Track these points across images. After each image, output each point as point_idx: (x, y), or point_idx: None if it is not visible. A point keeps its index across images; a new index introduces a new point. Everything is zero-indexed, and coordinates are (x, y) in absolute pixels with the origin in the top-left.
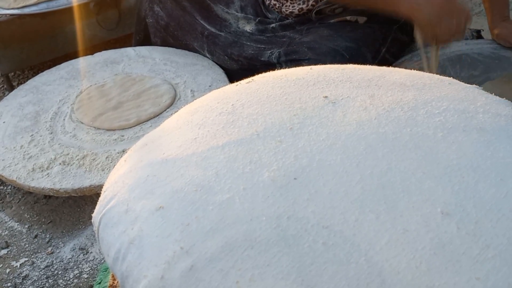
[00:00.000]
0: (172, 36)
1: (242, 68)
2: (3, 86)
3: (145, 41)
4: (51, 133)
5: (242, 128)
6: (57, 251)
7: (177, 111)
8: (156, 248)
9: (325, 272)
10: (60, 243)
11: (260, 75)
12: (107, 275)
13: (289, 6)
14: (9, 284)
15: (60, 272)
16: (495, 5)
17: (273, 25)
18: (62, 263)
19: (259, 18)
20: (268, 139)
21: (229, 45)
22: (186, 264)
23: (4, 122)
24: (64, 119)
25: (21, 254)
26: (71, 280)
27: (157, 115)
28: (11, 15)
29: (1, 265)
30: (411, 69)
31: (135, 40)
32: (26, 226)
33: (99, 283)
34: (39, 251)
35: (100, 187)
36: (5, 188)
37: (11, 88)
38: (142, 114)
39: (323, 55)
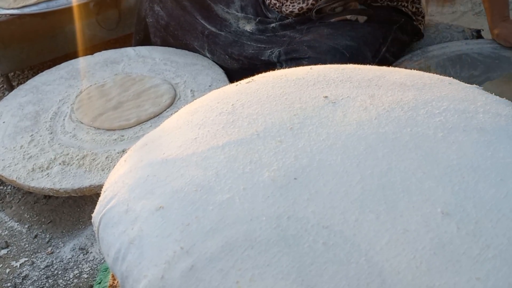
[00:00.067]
0: (172, 36)
1: (242, 68)
2: (3, 86)
3: (145, 41)
4: (51, 133)
5: (242, 128)
6: (57, 251)
7: (177, 111)
8: (156, 248)
9: (325, 272)
10: (60, 243)
11: (260, 75)
12: (107, 275)
13: (289, 5)
14: (9, 284)
15: (60, 272)
16: (494, 5)
17: (273, 24)
18: (62, 263)
19: (259, 18)
20: (268, 139)
21: (229, 44)
22: (186, 264)
23: (4, 122)
24: (64, 119)
25: (21, 254)
26: (71, 280)
27: (157, 115)
28: (11, 15)
29: (1, 265)
30: (411, 69)
31: (135, 40)
32: (26, 226)
33: (99, 283)
34: (39, 251)
35: (100, 187)
36: (5, 188)
37: (11, 88)
38: (142, 114)
39: (323, 53)
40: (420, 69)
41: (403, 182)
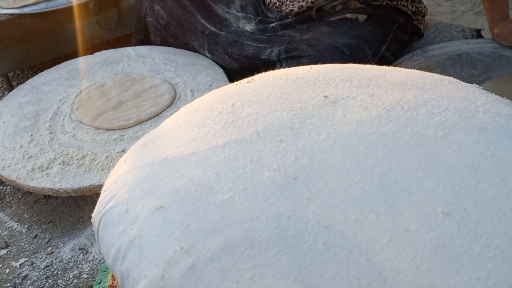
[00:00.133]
0: (172, 35)
1: (242, 67)
2: (2, 86)
3: (145, 40)
4: (51, 133)
5: (242, 127)
6: (57, 251)
7: (177, 110)
8: (156, 248)
9: (325, 272)
10: (60, 243)
11: (260, 74)
12: (106, 275)
13: (289, 4)
14: (8, 284)
15: (59, 272)
16: (494, 5)
17: (273, 24)
18: (61, 263)
19: (259, 18)
20: (268, 139)
21: (229, 44)
22: (186, 263)
23: (3, 122)
24: (63, 119)
25: (21, 254)
26: (71, 280)
27: (157, 115)
28: (10, 14)
29: (1, 265)
30: (411, 69)
31: (135, 40)
32: (26, 226)
33: (99, 283)
34: (38, 251)
35: (100, 187)
36: (5, 188)
37: (11, 88)
38: (142, 113)
39: (323, 51)
40: (420, 68)
41: (403, 182)
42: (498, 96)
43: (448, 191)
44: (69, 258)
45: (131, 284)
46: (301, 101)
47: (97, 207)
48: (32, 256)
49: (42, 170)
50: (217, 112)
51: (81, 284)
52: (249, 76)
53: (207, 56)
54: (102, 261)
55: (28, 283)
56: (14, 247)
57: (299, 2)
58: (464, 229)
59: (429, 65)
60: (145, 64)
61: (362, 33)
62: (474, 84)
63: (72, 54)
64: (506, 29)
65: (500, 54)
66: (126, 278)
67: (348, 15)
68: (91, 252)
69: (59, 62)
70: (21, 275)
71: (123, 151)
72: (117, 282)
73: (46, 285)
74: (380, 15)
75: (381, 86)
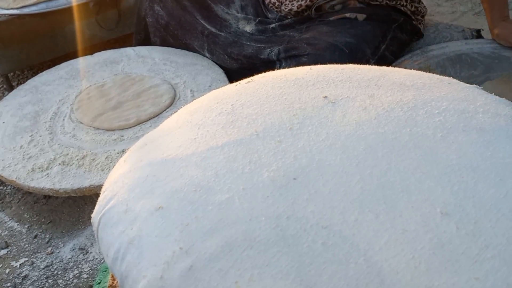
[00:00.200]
0: (172, 36)
1: (241, 67)
2: (2, 86)
3: (146, 40)
4: (51, 133)
5: (241, 128)
6: (57, 251)
7: (177, 111)
8: (156, 248)
9: (324, 272)
10: (60, 243)
11: (259, 75)
12: (106, 275)
13: (288, 3)
14: (8, 284)
15: (59, 272)
16: (494, 5)
17: (273, 25)
18: (61, 263)
19: (259, 19)
20: (267, 139)
21: (229, 44)
22: (185, 264)
23: (3, 122)
24: (63, 119)
25: (21, 254)
26: (71, 280)
27: (156, 115)
28: (10, 15)
29: (1, 265)
30: (411, 69)
31: (136, 40)
32: (26, 226)
33: (99, 283)
34: (38, 251)
35: (100, 187)
36: (5, 188)
37: (11, 88)
38: (142, 114)
39: (322, 50)
40: (419, 69)
41: (402, 182)
42: (497, 97)
43: (447, 192)
44: (69, 258)
45: (131, 284)
46: (301, 102)
47: (96, 207)
48: (32, 256)
49: (42, 171)
50: (216, 113)
51: (81, 284)
52: (248, 77)
53: (207, 57)
54: (102, 261)
55: (28, 283)
56: (14, 247)
57: (298, 1)
58: (463, 229)
59: (429, 66)
60: (145, 64)
61: (361, 32)
62: (474, 85)
63: (72, 54)
64: (506, 30)
65: (500, 54)
66: (125, 278)
67: (347, 15)
68: (91, 252)
69: (59, 62)
70: (21, 275)
71: (123, 151)
72: (117, 282)
73: (46, 285)
74: (379, 15)
75: (381, 87)
